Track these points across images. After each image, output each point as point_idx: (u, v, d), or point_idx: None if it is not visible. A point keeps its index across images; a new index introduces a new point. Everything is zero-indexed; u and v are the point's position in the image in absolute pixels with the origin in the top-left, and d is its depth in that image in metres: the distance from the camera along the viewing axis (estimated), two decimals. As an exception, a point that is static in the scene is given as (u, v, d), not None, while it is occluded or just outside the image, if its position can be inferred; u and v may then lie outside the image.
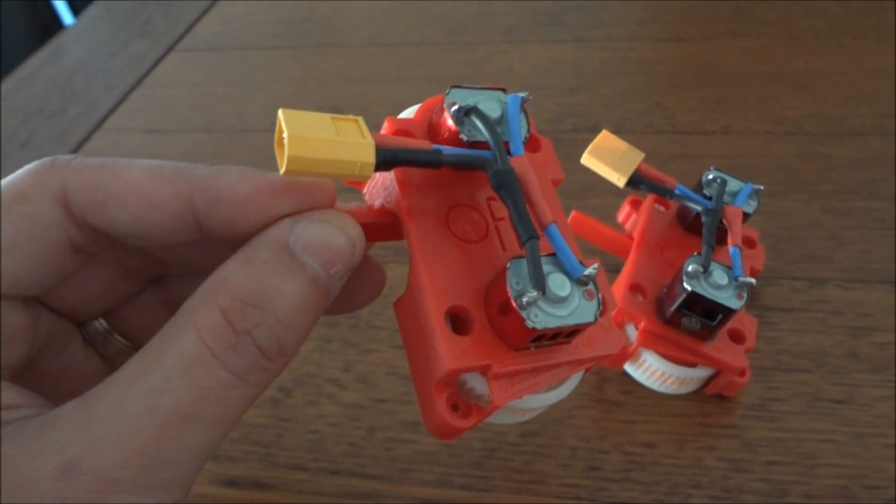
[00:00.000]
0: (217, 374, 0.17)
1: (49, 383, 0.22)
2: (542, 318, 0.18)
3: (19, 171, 0.19)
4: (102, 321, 0.24)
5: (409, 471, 0.29)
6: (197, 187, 0.19)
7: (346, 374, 0.33)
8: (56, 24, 1.03)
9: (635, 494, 0.28)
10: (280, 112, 0.17)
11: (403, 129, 0.20)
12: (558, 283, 0.18)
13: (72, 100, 0.57)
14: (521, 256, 0.18)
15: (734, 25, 0.53)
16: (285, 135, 0.16)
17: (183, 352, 0.17)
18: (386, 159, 0.18)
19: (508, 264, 0.18)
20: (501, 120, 0.20)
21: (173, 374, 0.16)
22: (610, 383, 0.31)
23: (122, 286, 0.23)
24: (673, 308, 0.28)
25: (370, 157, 0.17)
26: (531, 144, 0.22)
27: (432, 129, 0.20)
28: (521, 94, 0.20)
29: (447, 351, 0.18)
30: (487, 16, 0.58)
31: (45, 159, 0.19)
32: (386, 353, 0.33)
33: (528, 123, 0.21)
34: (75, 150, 0.51)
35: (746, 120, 0.45)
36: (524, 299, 0.17)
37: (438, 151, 0.19)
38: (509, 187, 0.19)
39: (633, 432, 0.30)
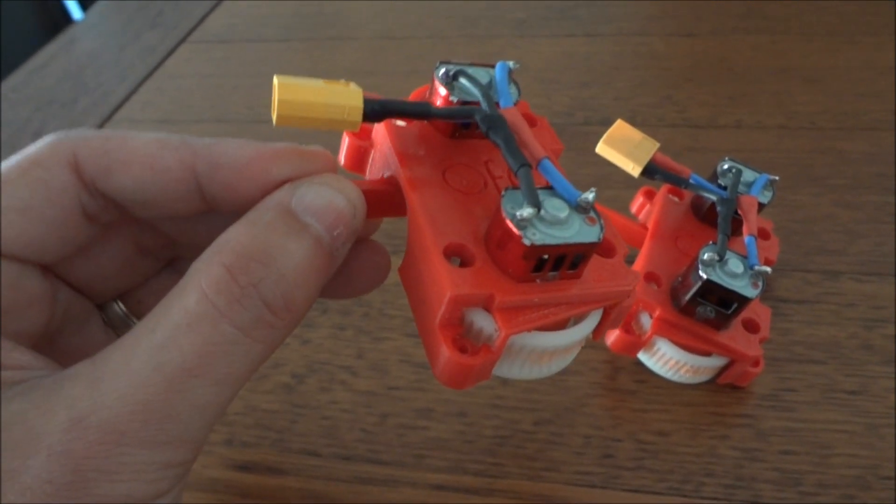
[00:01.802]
0: (222, 329, 0.17)
1: (69, 363, 0.22)
2: (539, 235, 0.17)
3: (34, 143, 0.20)
4: (121, 305, 0.24)
5: (422, 457, 0.29)
6: (199, 154, 0.19)
7: (359, 362, 0.33)
8: (65, 20, 1.03)
9: (649, 482, 0.28)
10: (275, 76, 0.18)
11: None
12: (556, 205, 0.18)
13: (83, 91, 0.57)
14: (515, 188, 0.18)
15: (746, 22, 0.53)
16: (276, 83, 0.17)
17: (187, 309, 0.17)
18: (375, 109, 0.18)
19: (503, 193, 0.18)
20: (490, 86, 0.21)
21: (178, 331, 0.17)
22: (623, 372, 0.31)
23: (136, 265, 0.23)
24: (688, 296, 0.28)
25: (358, 101, 0.18)
26: (527, 120, 0.22)
27: None
28: (509, 63, 0.21)
29: (447, 279, 0.17)
30: (498, 10, 0.58)
31: (58, 132, 0.20)
32: (398, 342, 0.33)
33: (518, 91, 0.21)
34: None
35: (759, 115, 0.45)
36: (519, 215, 0.17)
37: (427, 104, 0.20)
38: (499, 127, 0.19)
39: (646, 421, 0.30)
